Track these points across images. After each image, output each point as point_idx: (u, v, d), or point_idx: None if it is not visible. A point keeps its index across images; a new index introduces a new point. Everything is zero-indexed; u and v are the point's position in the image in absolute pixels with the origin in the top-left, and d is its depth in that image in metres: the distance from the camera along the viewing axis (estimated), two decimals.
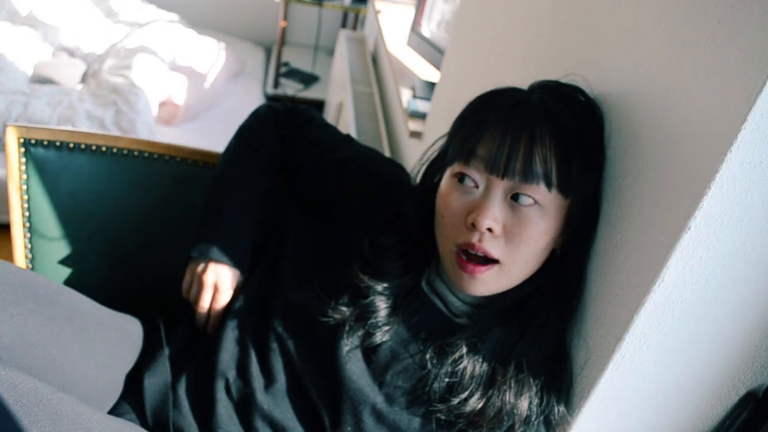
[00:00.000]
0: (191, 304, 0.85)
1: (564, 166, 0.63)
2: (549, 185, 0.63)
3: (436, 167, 0.75)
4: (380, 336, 0.72)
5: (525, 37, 0.96)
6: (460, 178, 0.67)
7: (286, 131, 0.91)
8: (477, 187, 0.66)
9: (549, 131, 0.63)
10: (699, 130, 0.56)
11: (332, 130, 0.93)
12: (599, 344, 0.67)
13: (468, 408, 0.68)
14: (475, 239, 0.64)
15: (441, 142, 0.76)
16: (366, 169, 0.86)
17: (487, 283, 0.66)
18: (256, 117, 0.93)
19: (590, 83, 0.73)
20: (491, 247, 0.64)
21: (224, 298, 0.83)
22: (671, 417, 0.70)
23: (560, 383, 0.70)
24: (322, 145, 0.89)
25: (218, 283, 0.82)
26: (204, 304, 0.83)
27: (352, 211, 0.83)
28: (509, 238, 0.64)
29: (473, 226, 0.64)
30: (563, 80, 0.72)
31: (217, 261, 0.83)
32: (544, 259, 0.68)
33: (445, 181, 0.70)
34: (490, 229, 0.64)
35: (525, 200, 0.63)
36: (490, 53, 1.10)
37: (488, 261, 0.65)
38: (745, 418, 0.66)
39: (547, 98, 0.66)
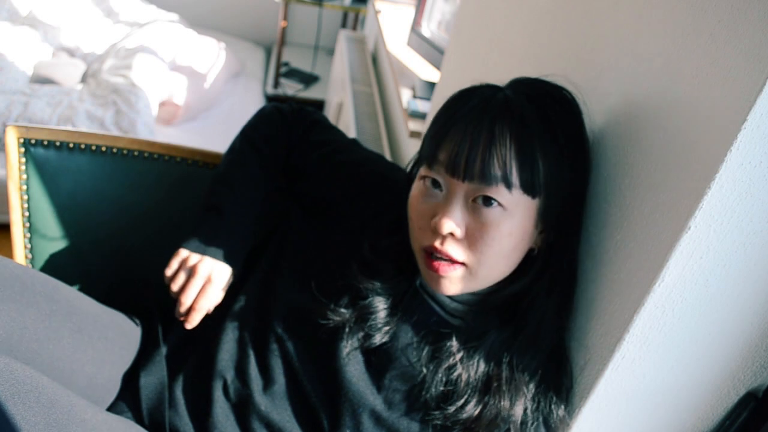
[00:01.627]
0: (171, 292, 0.81)
1: (526, 165, 0.62)
2: (509, 186, 0.62)
3: (415, 171, 0.75)
4: (379, 337, 0.72)
5: (524, 37, 0.96)
6: (426, 180, 0.67)
7: (291, 132, 0.91)
8: (441, 190, 0.66)
9: (509, 130, 0.62)
10: (699, 130, 0.56)
11: (338, 133, 0.92)
12: (599, 344, 0.67)
13: (464, 415, 0.67)
14: (437, 243, 0.64)
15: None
16: (370, 173, 0.85)
17: (455, 282, 0.66)
18: (261, 117, 0.93)
19: (576, 82, 0.73)
20: (454, 250, 0.64)
21: (214, 291, 0.80)
22: (671, 417, 0.70)
23: (559, 386, 0.70)
24: (328, 147, 0.89)
25: (212, 276, 0.80)
26: (192, 292, 0.79)
27: (355, 213, 0.83)
28: (471, 241, 0.64)
29: (436, 230, 0.64)
30: (546, 77, 0.70)
31: (214, 258, 0.82)
32: (518, 259, 0.67)
33: (415, 183, 0.70)
34: (452, 233, 0.64)
35: (486, 202, 0.63)
36: (490, 53, 1.10)
37: (454, 261, 0.65)
38: (745, 418, 0.67)
39: (513, 95, 0.65)
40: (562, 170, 0.65)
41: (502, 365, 0.68)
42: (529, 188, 0.63)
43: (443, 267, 0.65)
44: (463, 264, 0.65)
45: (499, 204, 0.62)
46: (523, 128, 0.62)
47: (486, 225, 0.63)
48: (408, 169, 0.77)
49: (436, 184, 0.66)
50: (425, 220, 0.66)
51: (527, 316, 0.69)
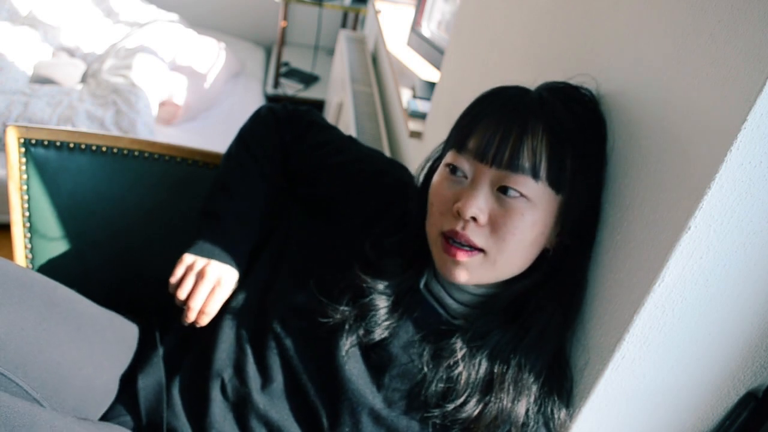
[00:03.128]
0: (177, 299, 0.81)
1: (555, 159, 0.63)
2: (536, 176, 0.63)
3: (437, 165, 0.76)
4: (379, 333, 0.72)
5: (525, 37, 0.96)
6: (452, 167, 0.68)
7: (287, 134, 0.91)
8: (466, 177, 0.67)
9: (542, 125, 0.64)
10: (699, 130, 0.56)
11: (335, 132, 0.92)
12: (599, 344, 0.67)
13: (464, 414, 0.67)
14: (459, 227, 0.65)
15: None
16: (371, 171, 0.86)
17: (470, 270, 0.66)
18: (255, 120, 0.93)
19: (597, 83, 0.73)
20: (475, 236, 0.65)
21: (223, 294, 0.81)
22: (671, 417, 0.70)
23: (560, 389, 0.69)
24: (327, 148, 0.89)
25: (222, 279, 0.81)
26: (201, 296, 0.79)
27: (355, 212, 0.83)
28: (494, 228, 0.65)
29: (459, 215, 0.65)
30: (574, 81, 0.72)
31: (221, 261, 0.82)
32: (534, 255, 0.68)
33: (439, 170, 0.71)
34: (474, 219, 0.64)
35: (512, 192, 0.64)
36: (490, 53, 1.10)
37: (473, 249, 0.66)
38: (745, 418, 0.66)
39: (547, 95, 0.67)
40: (586, 174, 0.66)
41: (507, 365, 0.68)
42: (554, 182, 0.64)
43: (460, 253, 0.65)
44: (481, 251, 0.66)
45: (523, 194, 0.64)
46: (556, 126, 0.64)
47: (510, 212, 0.64)
48: (429, 165, 0.78)
49: (461, 171, 0.67)
50: (447, 205, 0.67)
51: (534, 317, 0.69)
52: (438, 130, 1.33)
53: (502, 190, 0.64)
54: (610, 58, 0.72)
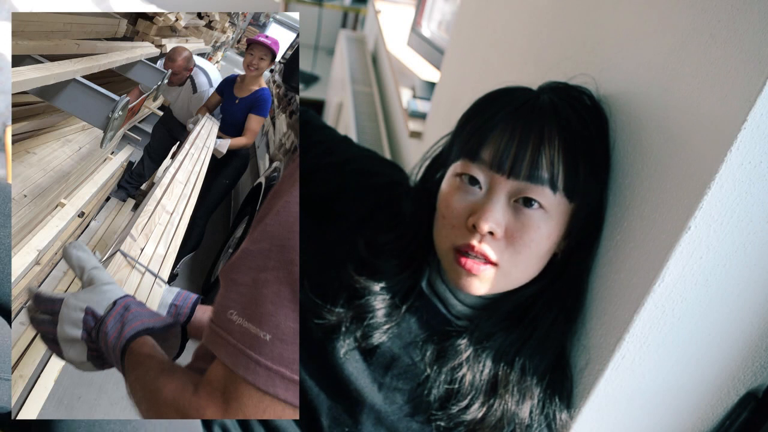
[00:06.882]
0: None
1: (571, 169, 0.62)
2: (554, 188, 0.62)
3: (436, 166, 0.75)
4: (378, 336, 0.71)
5: (525, 37, 0.96)
6: (464, 177, 0.65)
7: None
8: (480, 187, 0.65)
9: (558, 133, 0.62)
10: (699, 130, 0.56)
11: (330, 132, 0.92)
12: (599, 344, 0.67)
13: (468, 416, 0.67)
14: (474, 241, 0.63)
15: (443, 142, 0.76)
16: (364, 171, 0.85)
17: (484, 281, 0.65)
18: None
19: (597, 83, 0.73)
20: (490, 250, 0.63)
21: None
22: (671, 417, 0.70)
23: (561, 390, 0.69)
24: (321, 147, 0.89)
25: None
26: None
27: (348, 211, 0.82)
28: (510, 241, 0.63)
29: (474, 228, 0.63)
30: (573, 82, 0.71)
31: None
32: (545, 263, 0.67)
33: (447, 179, 0.68)
34: (491, 232, 0.63)
35: (528, 203, 0.62)
36: (490, 53, 1.11)
37: (487, 261, 0.65)
38: (745, 418, 0.67)
39: (556, 100, 0.65)
40: (596, 177, 0.66)
41: (511, 368, 0.68)
42: (570, 192, 0.63)
43: (476, 266, 0.64)
44: (494, 264, 0.64)
45: (541, 206, 0.62)
46: (569, 133, 0.63)
47: (527, 226, 0.62)
48: (426, 164, 0.77)
49: (474, 181, 0.64)
50: (460, 219, 0.65)
51: (538, 320, 0.68)
52: (438, 130, 1.33)
53: (523, 201, 0.62)
54: (610, 58, 0.72)
